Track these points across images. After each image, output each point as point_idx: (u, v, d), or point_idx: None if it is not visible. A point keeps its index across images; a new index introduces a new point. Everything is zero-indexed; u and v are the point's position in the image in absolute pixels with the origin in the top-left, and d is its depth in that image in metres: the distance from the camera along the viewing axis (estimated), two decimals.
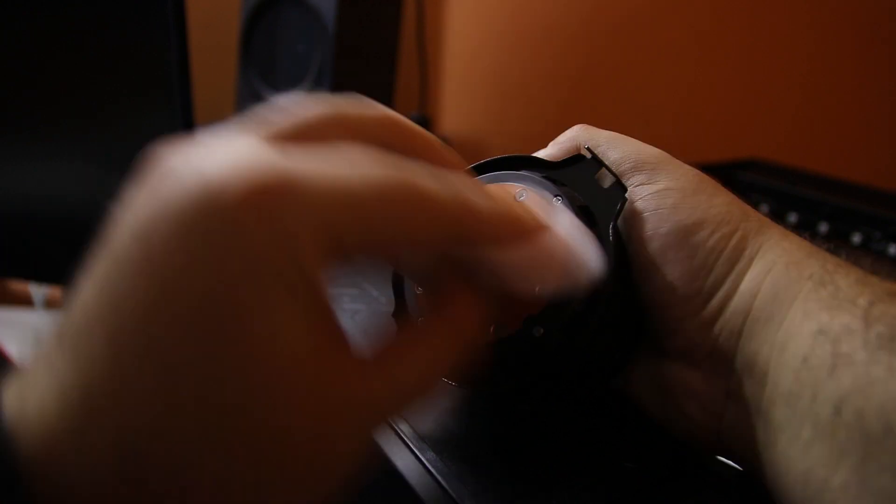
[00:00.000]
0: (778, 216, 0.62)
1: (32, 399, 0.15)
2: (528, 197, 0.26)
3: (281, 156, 0.17)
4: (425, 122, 1.07)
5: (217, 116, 0.92)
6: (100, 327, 0.15)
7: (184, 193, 0.16)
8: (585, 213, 0.26)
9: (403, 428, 0.26)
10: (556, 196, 0.26)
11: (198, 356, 0.15)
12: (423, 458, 0.24)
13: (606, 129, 0.29)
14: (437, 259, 0.22)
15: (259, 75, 0.84)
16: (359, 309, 0.38)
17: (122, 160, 0.61)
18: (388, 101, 0.93)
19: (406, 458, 0.24)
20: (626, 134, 0.28)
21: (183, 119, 0.57)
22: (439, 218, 0.18)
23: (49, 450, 0.15)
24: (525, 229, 0.21)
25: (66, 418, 0.15)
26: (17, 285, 0.75)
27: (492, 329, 0.25)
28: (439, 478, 0.23)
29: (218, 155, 0.16)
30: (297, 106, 0.19)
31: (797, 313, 0.22)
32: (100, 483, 0.15)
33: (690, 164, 0.28)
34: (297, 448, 0.16)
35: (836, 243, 0.56)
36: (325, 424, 0.17)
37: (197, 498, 0.15)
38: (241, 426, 0.15)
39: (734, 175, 0.66)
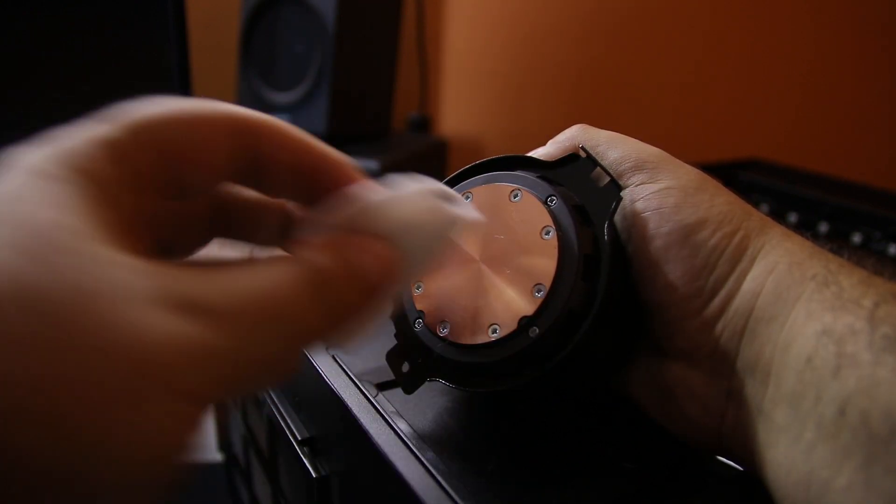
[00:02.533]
0: (778, 216, 0.62)
1: None
2: (522, 197, 0.26)
3: None
4: (425, 122, 1.07)
5: None
6: None
7: None
8: (580, 213, 0.26)
9: (403, 428, 0.26)
10: (550, 196, 0.26)
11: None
12: (423, 458, 0.24)
13: (607, 129, 0.29)
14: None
15: (259, 75, 0.84)
16: None
17: None
18: (388, 101, 0.93)
19: (406, 458, 0.24)
20: (626, 133, 0.28)
21: None
22: (212, 109, 0.19)
23: None
24: (307, 137, 0.20)
25: None
26: None
27: (488, 330, 0.25)
28: (439, 478, 0.23)
29: None
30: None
31: (800, 314, 0.22)
32: None
33: (691, 164, 0.27)
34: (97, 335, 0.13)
35: (836, 243, 0.56)
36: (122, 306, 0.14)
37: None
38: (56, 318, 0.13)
39: (735, 175, 0.66)
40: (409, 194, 0.20)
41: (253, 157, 0.20)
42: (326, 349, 0.32)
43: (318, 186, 0.21)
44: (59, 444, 0.13)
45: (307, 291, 0.17)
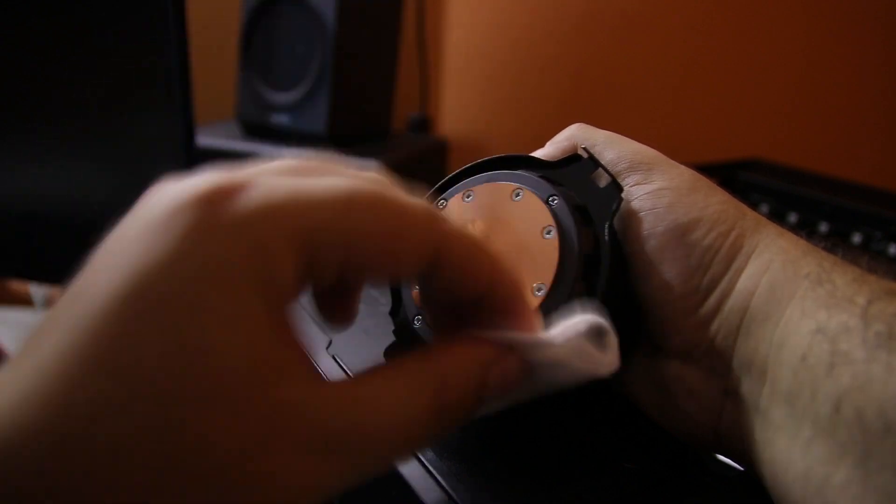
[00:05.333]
0: (778, 216, 0.62)
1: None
2: (524, 196, 0.26)
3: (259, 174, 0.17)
4: (425, 122, 1.07)
5: (217, 116, 0.92)
6: (55, 325, 0.15)
7: (152, 201, 0.16)
8: (581, 213, 0.26)
9: None
10: (552, 196, 0.26)
11: (152, 349, 0.15)
12: (423, 458, 0.24)
13: (607, 129, 0.29)
14: (447, 301, 0.21)
15: (259, 75, 0.84)
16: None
17: (122, 160, 0.61)
18: (388, 101, 0.93)
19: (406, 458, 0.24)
20: (626, 133, 0.28)
21: (183, 119, 0.57)
22: (407, 224, 0.18)
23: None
24: (495, 263, 0.20)
25: (14, 423, 0.14)
26: (17, 285, 0.75)
27: None
28: (439, 478, 0.23)
29: (192, 178, 0.17)
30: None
31: (795, 312, 0.22)
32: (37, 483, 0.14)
33: (691, 163, 0.28)
34: (229, 455, 0.15)
35: (834, 242, 0.56)
36: (262, 435, 0.15)
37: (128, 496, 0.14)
38: (183, 423, 0.15)
39: (735, 175, 0.66)
40: (566, 339, 0.20)
41: (431, 270, 0.19)
42: (326, 349, 0.32)
43: (485, 305, 0.21)
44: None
45: (432, 416, 0.18)
